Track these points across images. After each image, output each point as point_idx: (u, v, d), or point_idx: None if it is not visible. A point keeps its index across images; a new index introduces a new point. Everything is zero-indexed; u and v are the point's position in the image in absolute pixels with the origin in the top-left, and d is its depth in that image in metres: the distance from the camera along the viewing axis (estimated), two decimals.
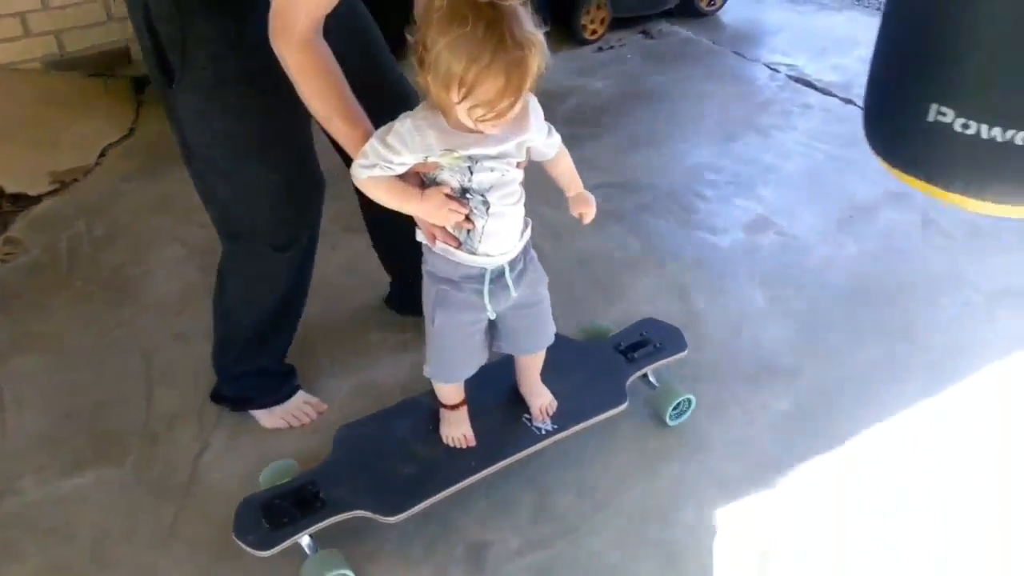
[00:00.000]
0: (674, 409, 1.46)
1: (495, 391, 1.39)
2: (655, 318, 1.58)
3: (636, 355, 1.47)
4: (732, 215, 2.12)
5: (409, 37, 0.95)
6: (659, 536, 1.30)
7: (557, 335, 1.33)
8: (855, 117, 2.31)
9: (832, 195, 2.18)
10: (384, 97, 1.05)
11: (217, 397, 1.54)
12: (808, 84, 2.80)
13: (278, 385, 1.51)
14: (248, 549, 1.18)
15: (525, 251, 1.17)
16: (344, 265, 1.92)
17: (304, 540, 1.20)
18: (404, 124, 0.98)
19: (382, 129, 1.01)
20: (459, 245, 1.09)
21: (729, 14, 3.39)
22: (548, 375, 1.37)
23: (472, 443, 1.31)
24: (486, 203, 1.05)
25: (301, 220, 1.31)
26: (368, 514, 1.22)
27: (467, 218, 1.05)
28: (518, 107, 0.94)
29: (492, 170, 1.02)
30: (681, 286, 1.85)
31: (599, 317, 1.68)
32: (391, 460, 1.30)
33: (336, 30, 1.03)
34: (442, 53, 0.89)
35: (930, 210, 2.06)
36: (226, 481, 1.41)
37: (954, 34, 0.88)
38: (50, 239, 2.05)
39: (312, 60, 1.00)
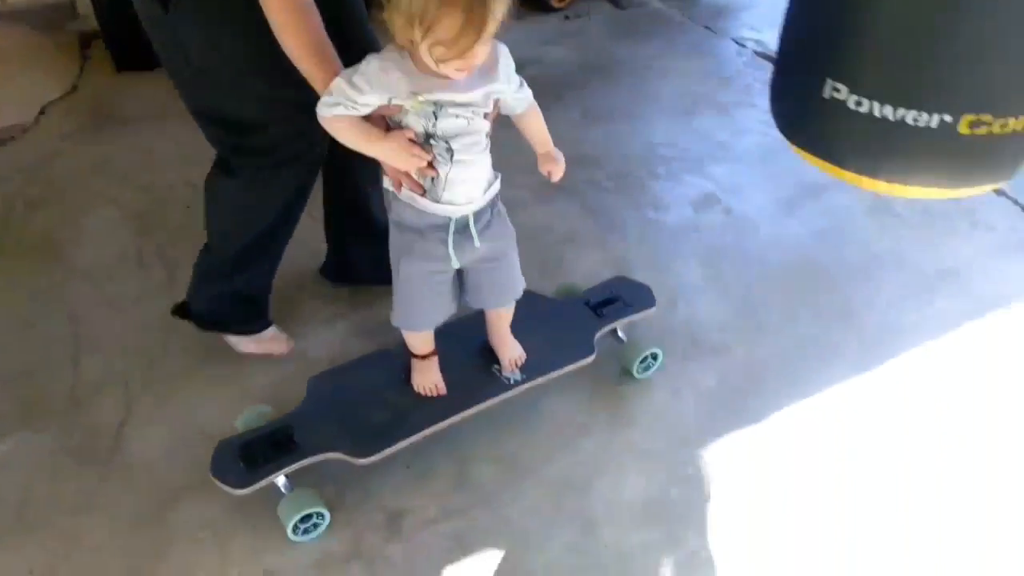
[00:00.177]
0: (641, 362, 1.51)
1: (467, 345, 1.43)
2: (626, 276, 1.62)
3: (605, 311, 1.52)
4: (681, 192, 2.11)
5: None
6: (575, 506, 1.32)
7: (529, 292, 1.36)
8: None
9: (783, 174, 2.17)
10: (352, 55, 1.06)
11: (184, 313, 1.53)
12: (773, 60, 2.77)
13: (254, 315, 1.54)
14: (226, 488, 1.21)
15: (492, 204, 1.18)
16: None
17: (280, 480, 1.24)
18: (370, 65, 0.99)
19: (349, 69, 1.02)
20: (424, 193, 1.10)
21: None
22: (519, 329, 1.41)
23: (443, 391, 1.35)
24: (450, 150, 1.05)
25: (316, 128, 1.31)
26: (341, 456, 1.25)
27: (431, 165, 1.06)
28: (479, 50, 0.94)
29: (457, 117, 1.03)
30: (622, 262, 1.85)
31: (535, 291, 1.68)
32: (364, 406, 1.34)
33: None
34: None
35: None
36: (148, 449, 1.41)
37: (850, 10, 0.87)
38: None
39: None
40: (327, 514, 1.25)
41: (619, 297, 1.55)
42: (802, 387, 1.55)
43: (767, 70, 2.68)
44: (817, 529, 1.30)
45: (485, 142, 1.10)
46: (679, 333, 1.65)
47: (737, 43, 2.90)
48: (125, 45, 2.57)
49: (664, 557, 1.24)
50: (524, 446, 1.41)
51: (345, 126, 1.04)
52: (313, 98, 1.05)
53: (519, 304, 1.37)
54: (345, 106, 1.01)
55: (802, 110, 0.96)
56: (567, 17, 3.07)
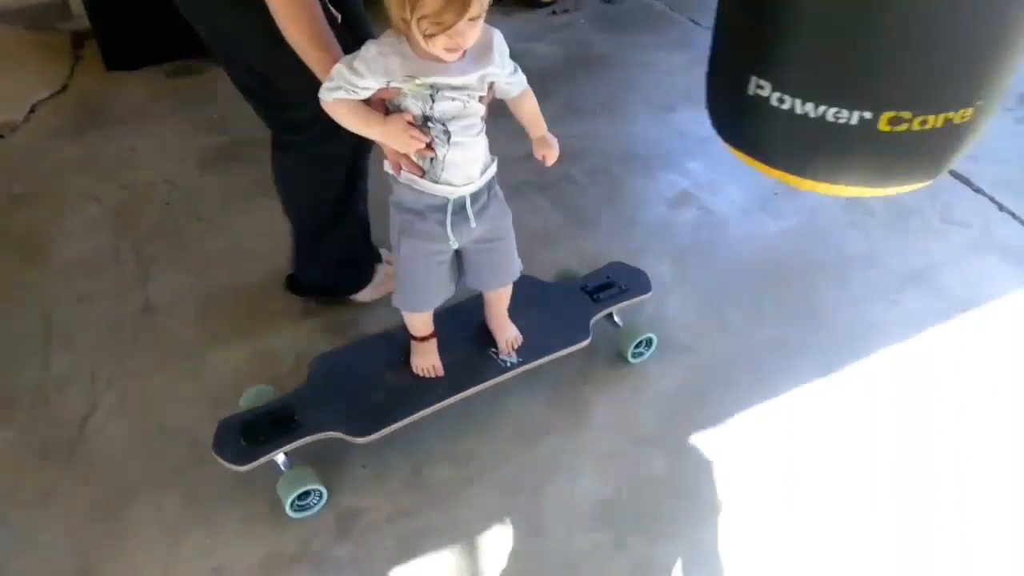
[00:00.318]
0: (636, 347, 1.54)
1: (465, 328, 1.47)
2: (623, 262, 1.64)
3: (602, 296, 1.55)
4: (656, 189, 2.10)
5: None
6: (527, 507, 1.32)
7: (527, 276, 1.39)
8: None
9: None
10: (349, 49, 1.11)
11: (296, 288, 1.64)
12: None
13: (356, 277, 1.63)
14: (227, 464, 1.24)
15: (489, 187, 1.22)
16: (256, 229, 1.90)
17: (279, 458, 1.27)
18: (369, 50, 1.04)
19: (349, 55, 1.06)
20: (423, 174, 1.14)
21: None
22: (516, 313, 1.44)
23: (440, 373, 1.39)
24: (447, 132, 1.09)
25: None
26: (340, 435, 1.28)
27: (429, 146, 1.10)
28: (468, 31, 0.97)
29: (453, 100, 1.07)
30: (592, 259, 1.83)
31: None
32: (363, 387, 1.37)
33: None
34: None
35: None
36: (109, 444, 1.43)
37: (772, 6, 0.86)
38: None
39: None
40: (324, 491, 1.29)
41: (615, 282, 1.58)
42: (765, 388, 1.53)
43: None
44: (779, 531, 1.29)
45: (481, 125, 1.14)
46: (644, 332, 1.64)
47: None
48: (116, 44, 2.60)
49: (610, 562, 1.24)
50: (483, 445, 1.42)
51: (346, 110, 1.08)
52: None
53: (516, 288, 1.40)
54: (346, 90, 1.05)
55: (730, 108, 0.95)
56: (554, 12, 3.06)
